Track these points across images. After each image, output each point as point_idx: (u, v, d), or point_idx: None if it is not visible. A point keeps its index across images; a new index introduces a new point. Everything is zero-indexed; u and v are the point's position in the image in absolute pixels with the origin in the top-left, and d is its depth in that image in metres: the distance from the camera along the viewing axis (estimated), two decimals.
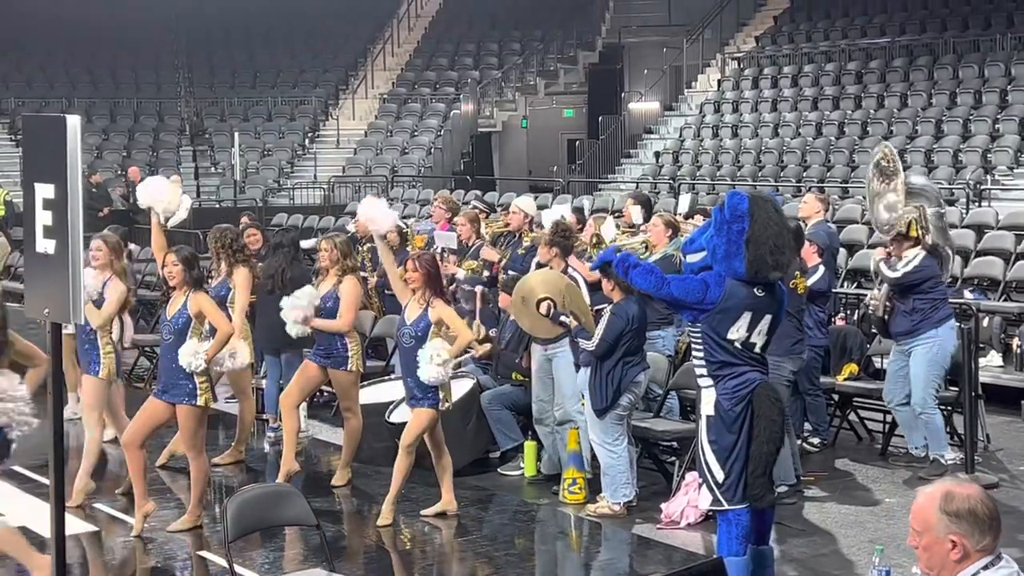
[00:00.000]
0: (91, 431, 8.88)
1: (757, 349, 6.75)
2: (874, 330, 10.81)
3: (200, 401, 8.10)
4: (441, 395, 8.33)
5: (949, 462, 9.44)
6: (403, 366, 8.56)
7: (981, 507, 3.54)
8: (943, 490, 3.58)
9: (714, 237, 6.67)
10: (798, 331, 9.09)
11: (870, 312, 10.05)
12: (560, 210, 12.11)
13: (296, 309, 9.18)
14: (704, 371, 6.70)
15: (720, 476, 6.61)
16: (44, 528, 5.70)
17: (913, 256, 9.47)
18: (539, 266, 10.68)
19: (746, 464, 6.60)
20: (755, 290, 6.65)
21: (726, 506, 6.63)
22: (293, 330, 9.32)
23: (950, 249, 10.10)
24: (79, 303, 4.67)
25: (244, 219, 14.91)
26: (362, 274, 12.58)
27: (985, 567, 3.56)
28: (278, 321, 9.54)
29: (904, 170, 9.86)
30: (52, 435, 4.88)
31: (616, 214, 13.37)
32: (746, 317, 6.63)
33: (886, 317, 9.70)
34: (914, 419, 9.68)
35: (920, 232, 9.52)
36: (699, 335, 6.70)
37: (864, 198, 10.05)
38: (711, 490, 6.66)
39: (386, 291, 12.56)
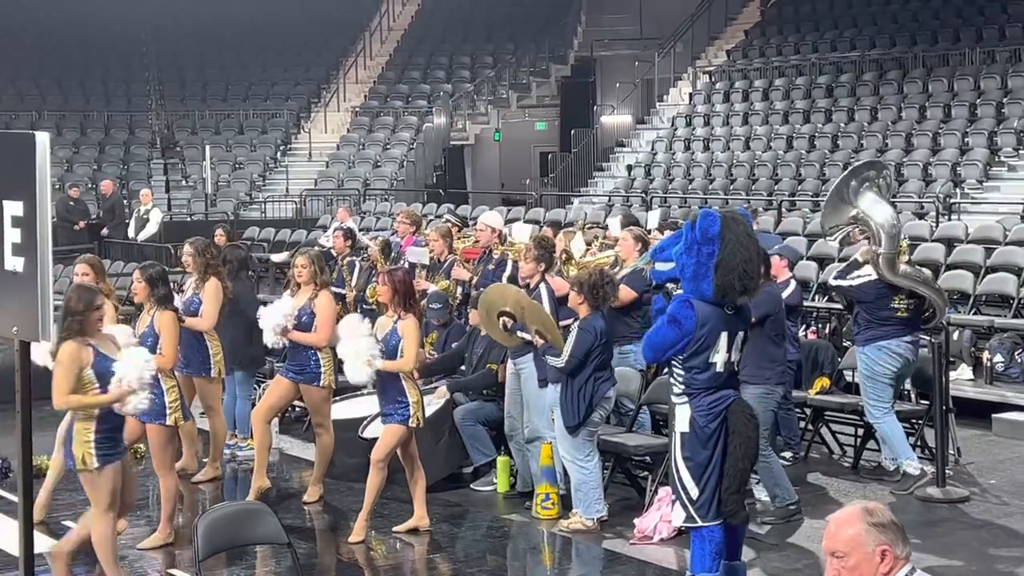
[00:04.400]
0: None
1: (736, 367, 6.79)
2: (846, 343, 10.84)
3: (170, 420, 8.06)
4: (412, 412, 8.31)
5: (916, 471, 9.45)
6: (377, 381, 8.50)
7: (896, 518, 3.66)
8: (861, 507, 3.68)
9: (683, 255, 6.67)
10: (784, 353, 9.17)
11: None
12: (526, 228, 12.09)
13: (274, 320, 9.17)
14: (680, 388, 6.70)
15: (695, 493, 6.60)
16: (12, 546, 5.65)
17: (866, 274, 9.48)
18: (511, 280, 10.70)
19: (720, 480, 6.59)
20: (724, 309, 6.66)
21: (700, 523, 6.62)
22: (270, 340, 9.32)
23: (937, 298, 9.84)
24: (48, 321, 4.64)
25: (219, 232, 14.83)
26: (339, 289, 12.60)
27: (907, 574, 3.61)
28: (225, 338, 9.61)
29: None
30: (20, 453, 4.85)
31: (591, 226, 13.38)
32: (723, 338, 6.64)
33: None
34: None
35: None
36: (681, 359, 6.68)
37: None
38: (685, 507, 6.65)
39: (363, 306, 12.55)
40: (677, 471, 6.68)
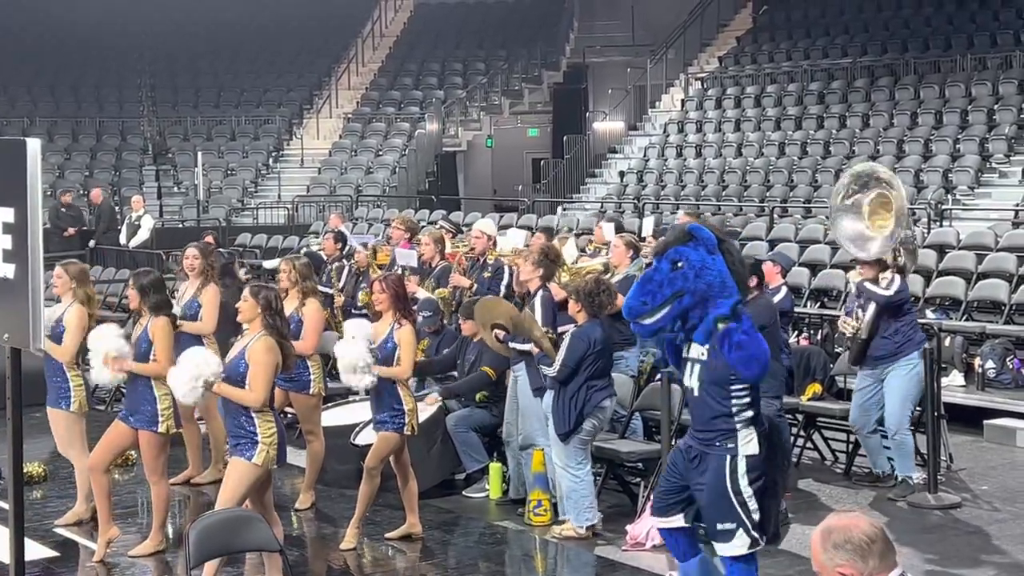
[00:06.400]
0: (78, 462, 8.77)
1: None
2: (838, 349, 10.86)
3: (162, 428, 8.02)
4: (407, 419, 8.28)
5: (916, 482, 9.49)
6: (372, 388, 8.35)
7: (858, 534, 3.61)
8: (822, 528, 3.67)
9: (702, 276, 6.33)
10: (783, 367, 9.25)
11: (851, 335, 9.65)
12: (520, 234, 12.10)
13: None
14: (746, 409, 6.39)
15: (757, 515, 6.36)
16: (3, 554, 5.63)
17: (891, 278, 9.51)
18: (508, 288, 10.73)
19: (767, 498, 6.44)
20: None
21: (762, 545, 6.43)
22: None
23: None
24: (39, 328, 4.63)
25: (208, 238, 14.79)
26: (327, 289, 12.58)
27: None
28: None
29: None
30: (11, 460, 4.83)
31: (580, 234, 13.41)
32: None
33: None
34: (880, 446, 9.73)
35: (895, 255, 9.59)
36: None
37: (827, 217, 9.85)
38: (748, 532, 6.36)
39: (353, 311, 12.54)
40: (739, 495, 6.32)
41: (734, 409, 6.36)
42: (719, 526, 6.37)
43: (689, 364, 6.49)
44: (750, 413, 6.38)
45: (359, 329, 8.35)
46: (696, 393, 6.46)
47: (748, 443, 6.34)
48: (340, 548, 8.43)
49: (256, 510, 7.08)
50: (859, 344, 9.59)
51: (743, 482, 6.32)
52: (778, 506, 6.52)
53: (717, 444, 6.38)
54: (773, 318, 8.90)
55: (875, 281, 9.53)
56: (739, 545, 6.35)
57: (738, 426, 6.36)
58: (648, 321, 6.44)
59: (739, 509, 6.32)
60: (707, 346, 6.36)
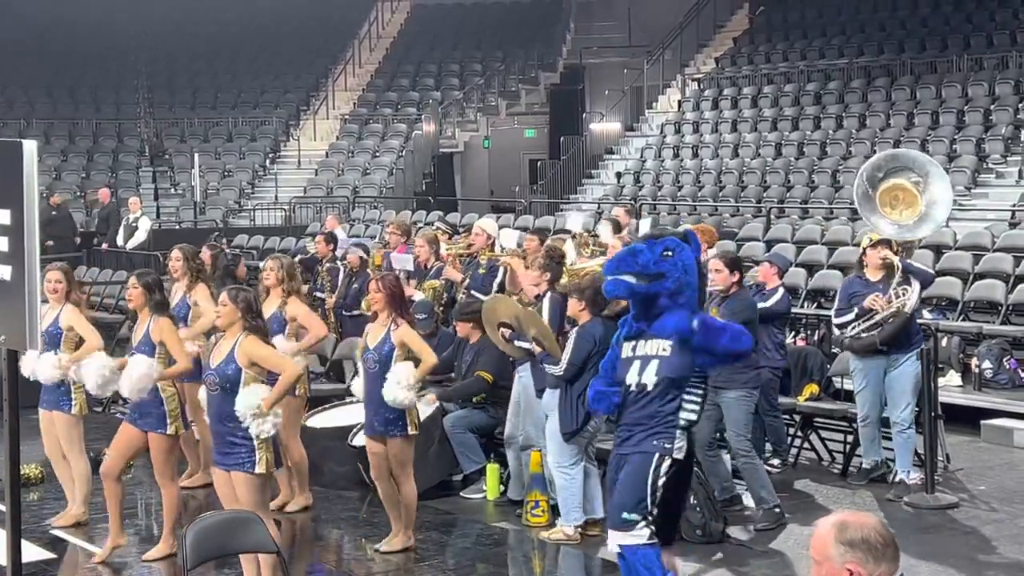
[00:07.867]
0: (77, 464, 8.76)
1: None
2: (835, 350, 10.83)
3: (170, 429, 7.98)
4: (408, 420, 8.20)
5: (912, 481, 9.50)
6: (366, 392, 8.29)
7: (875, 535, 3.58)
8: (838, 520, 3.64)
9: (690, 274, 6.39)
10: (756, 359, 9.22)
11: (893, 312, 9.48)
12: (515, 232, 12.11)
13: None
14: (691, 412, 6.47)
15: (653, 515, 6.47)
16: (0, 556, 5.63)
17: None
18: (500, 287, 10.71)
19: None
20: None
21: (656, 539, 6.52)
22: None
23: None
24: (36, 330, 4.63)
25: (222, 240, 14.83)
26: (319, 294, 12.59)
27: None
28: None
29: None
30: (8, 462, 4.83)
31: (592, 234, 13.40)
32: None
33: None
34: (879, 439, 9.75)
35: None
36: (701, 377, 6.48)
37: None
38: (648, 524, 6.45)
39: (344, 312, 12.55)
40: (655, 493, 6.40)
41: (685, 405, 6.41)
42: (625, 515, 6.42)
43: (640, 362, 6.44)
44: (693, 417, 6.46)
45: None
46: (650, 389, 6.40)
47: (680, 448, 6.42)
48: (382, 551, 8.34)
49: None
50: (902, 320, 9.50)
51: (660, 481, 6.39)
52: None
53: (655, 442, 6.40)
54: (754, 315, 8.92)
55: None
56: (638, 535, 6.39)
57: (680, 427, 6.41)
58: (634, 280, 6.35)
59: (648, 503, 6.39)
60: (671, 341, 6.36)
